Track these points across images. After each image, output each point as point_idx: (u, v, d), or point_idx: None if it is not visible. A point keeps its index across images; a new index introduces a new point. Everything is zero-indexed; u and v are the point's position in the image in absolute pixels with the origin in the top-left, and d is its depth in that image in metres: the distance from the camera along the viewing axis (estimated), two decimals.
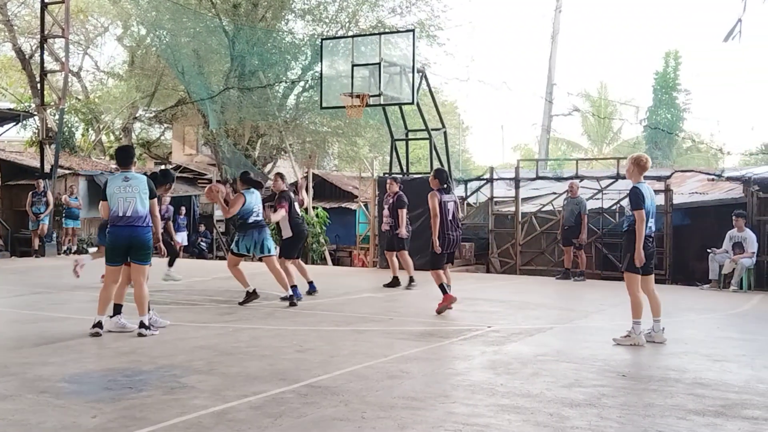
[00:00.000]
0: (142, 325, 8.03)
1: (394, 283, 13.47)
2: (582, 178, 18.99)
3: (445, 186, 10.45)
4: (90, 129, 36.03)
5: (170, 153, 36.52)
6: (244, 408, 5.19)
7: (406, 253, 13.46)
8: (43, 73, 22.31)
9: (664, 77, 41.85)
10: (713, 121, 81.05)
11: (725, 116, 79.18)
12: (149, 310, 8.24)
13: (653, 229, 8.29)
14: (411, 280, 13.26)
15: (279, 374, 6.23)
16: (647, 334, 8.12)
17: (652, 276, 8.31)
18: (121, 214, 8.12)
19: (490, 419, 5.03)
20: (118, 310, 8.30)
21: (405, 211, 13.59)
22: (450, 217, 10.38)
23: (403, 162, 18.95)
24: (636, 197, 8.02)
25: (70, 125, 32.05)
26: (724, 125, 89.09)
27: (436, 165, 18.30)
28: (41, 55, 22.55)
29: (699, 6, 76.31)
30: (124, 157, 8.67)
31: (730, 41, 10.62)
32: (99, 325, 8.00)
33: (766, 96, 66.68)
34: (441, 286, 10.19)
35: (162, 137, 38.73)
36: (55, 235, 20.73)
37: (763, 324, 10.30)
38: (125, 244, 8.12)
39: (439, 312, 10.10)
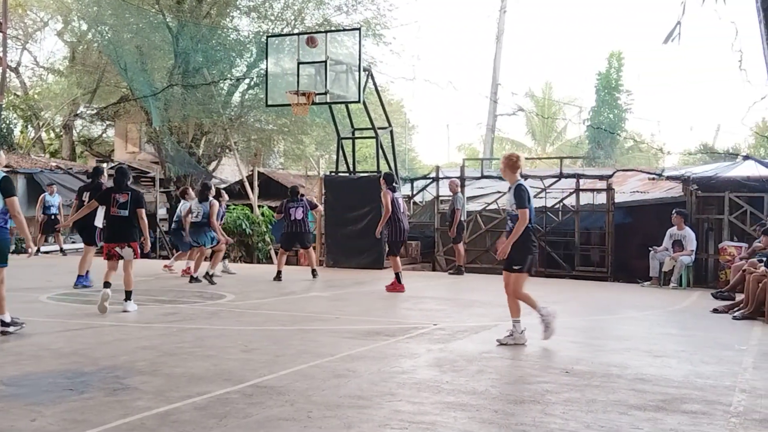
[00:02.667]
0: (2, 323, 7.84)
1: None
2: (526, 177, 19.17)
3: (394, 185, 12.86)
4: (29, 126, 35.27)
5: (112, 151, 35.95)
6: (188, 409, 5.12)
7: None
8: None
9: (606, 78, 42.52)
10: (654, 121, 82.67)
11: (665, 117, 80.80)
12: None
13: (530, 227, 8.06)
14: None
15: (224, 374, 6.17)
16: (508, 336, 7.87)
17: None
18: None
19: (436, 417, 5.05)
20: None
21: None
22: (401, 210, 12.81)
23: (350, 161, 18.93)
24: (521, 195, 7.84)
25: (8, 122, 31.34)
26: (664, 125, 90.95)
27: (383, 164, 18.35)
28: None
29: (641, 7, 77.74)
30: None
31: (670, 43, 10.84)
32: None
33: (705, 97, 68.29)
34: (397, 275, 12.51)
35: (104, 135, 38.09)
36: None
37: (701, 320, 10.54)
38: None
39: (388, 290, 12.50)
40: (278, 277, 14.28)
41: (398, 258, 12.85)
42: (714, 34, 48.48)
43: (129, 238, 9.83)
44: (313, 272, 14.70)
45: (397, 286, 12.52)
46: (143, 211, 10.00)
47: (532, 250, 8.02)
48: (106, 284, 9.58)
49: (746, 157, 18.76)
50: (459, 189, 16.53)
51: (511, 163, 8.01)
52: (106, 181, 13.20)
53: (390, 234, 12.85)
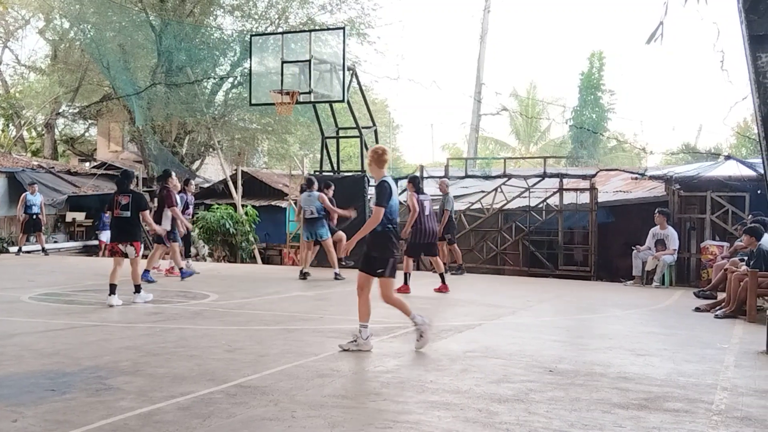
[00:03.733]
0: None
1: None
2: (509, 176, 19.27)
3: (420, 187, 13.03)
4: (10, 125, 35.00)
5: (95, 150, 35.75)
6: (171, 409, 5.10)
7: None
8: None
9: (589, 78, 42.66)
10: (637, 121, 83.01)
11: (648, 117, 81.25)
12: None
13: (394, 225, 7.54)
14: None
15: (207, 374, 6.15)
16: (352, 341, 7.35)
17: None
18: None
19: (420, 416, 5.05)
20: None
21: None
22: (426, 212, 12.57)
23: (334, 160, 18.91)
24: (381, 192, 7.39)
25: None
26: (647, 125, 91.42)
27: (367, 163, 18.31)
28: None
29: (624, 7, 78.08)
30: None
31: (653, 43, 10.87)
32: None
33: (687, 97, 68.71)
34: (406, 275, 12.50)
35: (86, 134, 37.85)
36: None
37: (683, 319, 10.60)
38: None
39: (436, 291, 12.73)
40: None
41: (411, 260, 13.07)
42: (696, 35, 48.77)
43: (131, 237, 10.49)
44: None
45: (404, 288, 12.35)
46: (146, 212, 10.77)
47: (394, 253, 7.53)
48: (112, 288, 10.20)
49: (728, 157, 18.89)
50: (449, 189, 16.51)
51: (377, 157, 7.57)
52: (172, 185, 13.81)
53: (411, 235, 12.71)
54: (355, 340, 7.34)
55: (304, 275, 14.60)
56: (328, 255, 14.67)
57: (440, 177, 19.82)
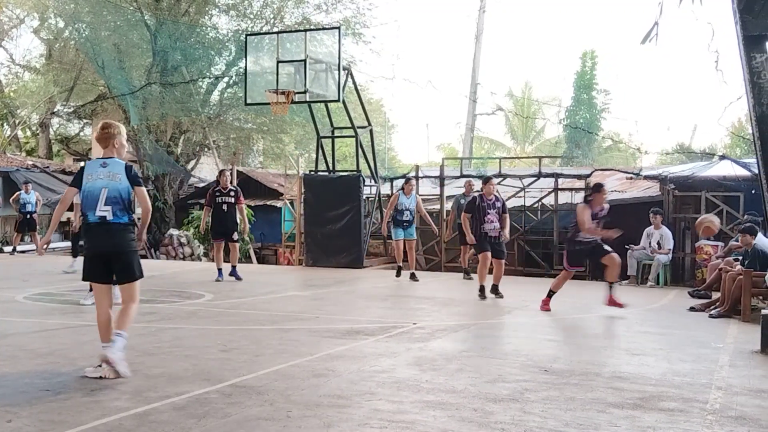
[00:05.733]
0: None
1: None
2: (505, 176, 19.29)
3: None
4: (5, 124, 34.90)
5: (90, 149, 35.63)
6: (166, 409, 5.09)
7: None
8: None
9: (582, 77, 42.67)
10: (632, 121, 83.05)
11: (643, 117, 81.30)
12: None
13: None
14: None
15: (203, 374, 6.14)
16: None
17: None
18: None
19: (416, 416, 5.05)
20: None
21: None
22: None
23: (329, 160, 18.90)
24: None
25: None
26: (642, 125, 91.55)
27: (362, 163, 18.33)
28: None
29: (620, 7, 78.16)
30: None
31: (648, 43, 10.89)
32: None
33: (682, 97, 68.81)
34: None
35: (81, 133, 37.74)
36: None
37: (678, 318, 10.63)
38: None
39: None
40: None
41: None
42: (691, 35, 48.85)
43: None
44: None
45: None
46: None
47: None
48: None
49: (722, 157, 18.94)
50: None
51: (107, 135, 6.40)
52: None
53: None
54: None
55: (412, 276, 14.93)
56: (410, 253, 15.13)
57: (437, 177, 19.86)
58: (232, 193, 14.14)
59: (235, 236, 14.23)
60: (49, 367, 6.34)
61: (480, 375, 6.34)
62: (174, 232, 24.08)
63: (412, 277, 14.71)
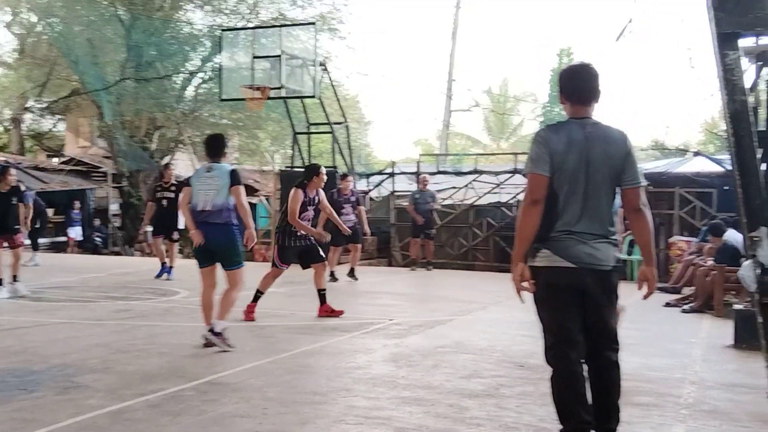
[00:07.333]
0: None
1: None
2: (481, 172, 19.36)
3: None
4: None
5: (63, 145, 35.29)
6: (141, 407, 5.06)
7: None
8: None
9: (558, 74, 42.86)
10: (607, 117, 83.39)
11: (617, 113, 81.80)
12: None
13: None
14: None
15: (178, 371, 6.11)
16: None
17: None
18: None
19: (392, 412, 5.06)
20: None
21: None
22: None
23: (306, 156, 18.85)
24: None
25: None
26: (617, 122, 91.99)
27: (339, 159, 18.31)
28: None
29: (595, 4, 78.56)
30: None
31: (622, 40, 10.99)
32: None
33: (656, 94, 69.31)
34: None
35: (54, 129, 37.34)
36: None
37: (652, 314, 10.69)
38: None
39: None
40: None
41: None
42: (665, 33, 49.25)
43: None
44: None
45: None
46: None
47: None
48: None
49: (696, 154, 19.11)
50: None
51: None
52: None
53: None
54: None
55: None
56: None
57: (413, 173, 19.87)
58: (173, 188, 13.29)
59: (175, 235, 13.68)
60: (21, 365, 6.28)
61: (455, 371, 6.36)
62: (149, 229, 23.90)
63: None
